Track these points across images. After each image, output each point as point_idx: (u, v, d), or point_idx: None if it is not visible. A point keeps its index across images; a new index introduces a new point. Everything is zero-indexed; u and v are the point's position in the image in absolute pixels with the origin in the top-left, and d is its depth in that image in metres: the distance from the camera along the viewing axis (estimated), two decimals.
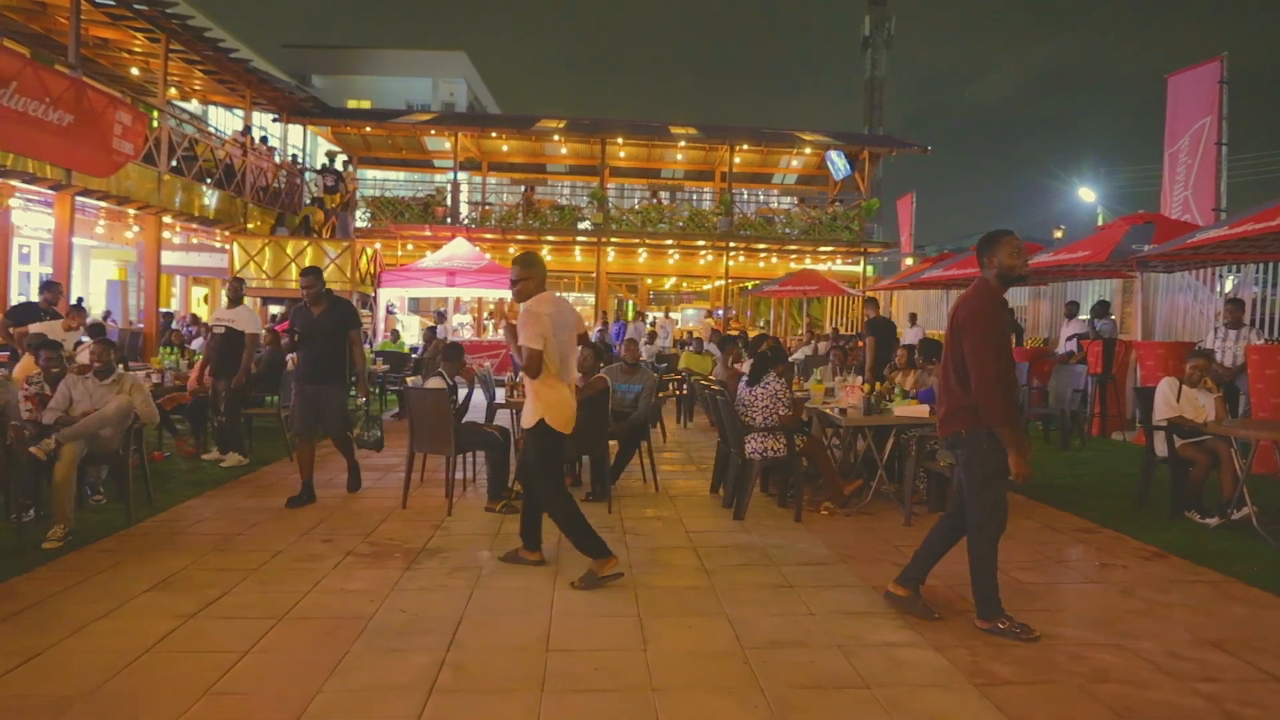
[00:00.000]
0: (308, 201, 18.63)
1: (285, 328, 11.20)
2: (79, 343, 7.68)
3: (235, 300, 7.57)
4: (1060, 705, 2.97)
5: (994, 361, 3.38)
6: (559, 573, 4.38)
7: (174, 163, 13.50)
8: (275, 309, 15.83)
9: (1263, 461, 6.91)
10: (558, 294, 4.40)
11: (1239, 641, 3.55)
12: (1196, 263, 9.34)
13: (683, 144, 21.63)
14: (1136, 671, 3.25)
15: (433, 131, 21.48)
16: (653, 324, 18.93)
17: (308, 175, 20.48)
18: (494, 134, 21.64)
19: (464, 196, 21.90)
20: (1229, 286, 10.53)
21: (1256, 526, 5.15)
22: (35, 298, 8.77)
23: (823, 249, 21.96)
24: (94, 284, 18.17)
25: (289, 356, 9.17)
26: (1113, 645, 3.50)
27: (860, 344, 12.01)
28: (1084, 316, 11.37)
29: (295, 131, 22.23)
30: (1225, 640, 3.56)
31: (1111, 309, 11.17)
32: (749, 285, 24.14)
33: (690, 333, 19.33)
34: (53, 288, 8.45)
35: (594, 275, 22.01)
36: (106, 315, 15.57)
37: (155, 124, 12.86)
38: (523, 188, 22.80)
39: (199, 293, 22.11)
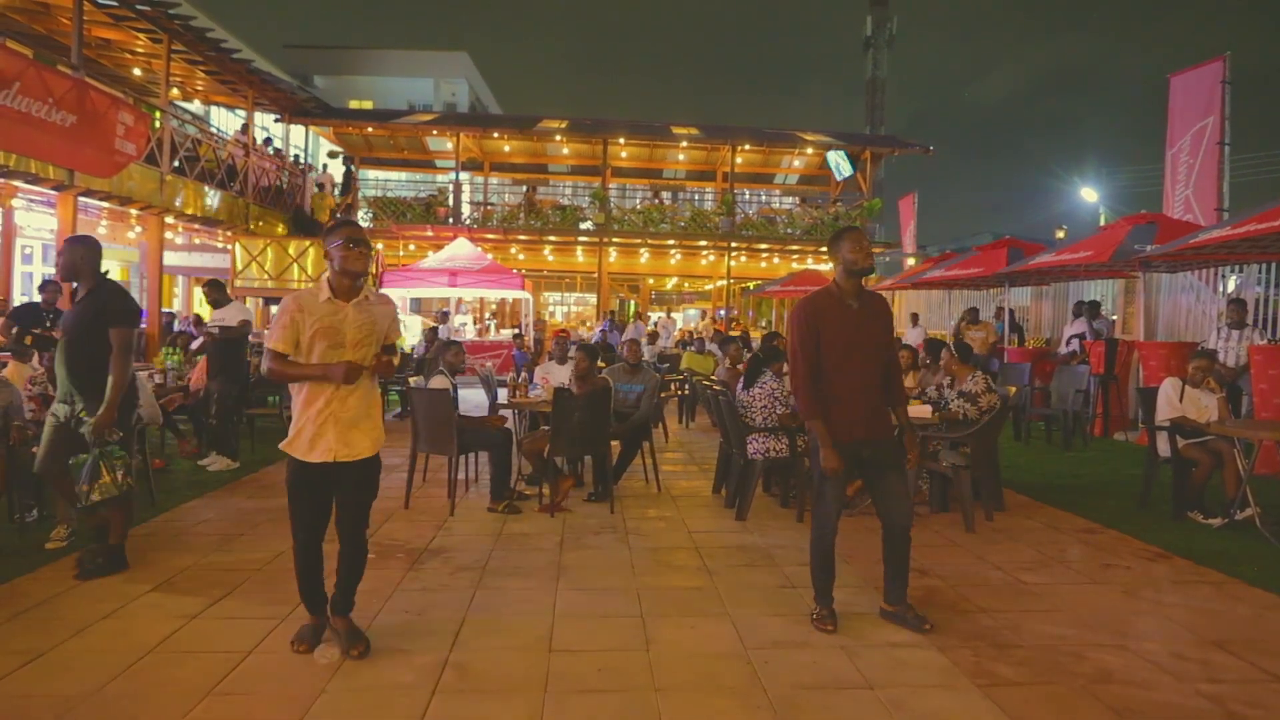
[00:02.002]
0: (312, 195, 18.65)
1: None
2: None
3: (218, 303, 7.51)
4: (1063, 706, 2.97)
5: (800, 359, 3.59)
6: (561, 573, 4.38)
7: (176, 163, 13.52)
8: (276, 309, 15.87)
9: (1266, 462, 6.91)
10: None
11: (1242, 642, 3.54)
12: (1199, 263, 9.34)
13: (684, 144, 21.65)
14: (1139, 672, 3.24)
15: (434, 132, 21.51)
16: (655, 324, 18.94)
17: (312, 175, 20.51)
18: (496, 134, 21.67)
19: (466, 197, 21.94)
20: (1231, 286, 10.51)
21: (1259, 527, 5.14)
22: (37, 298, 8.75)
23: (825, 249, 21.94)
24: None
25: None
26: (1115, 646, 3.49)
27: None
28: (1083, 316, 11.37)
29: (297, 132, 22.24)
30: (1228, 641, 3.55)
31: (1104, 308, 11.18)
32: (751, 285, 24.15)
33: (692, 333, 19.35)
34: (51, 286, 8.42)
35: (596, 275, 22.02)
36: None
37: (157, 124, 12.89)
38: (524, 188, 22.85)
39: (201, 293, 22.14)
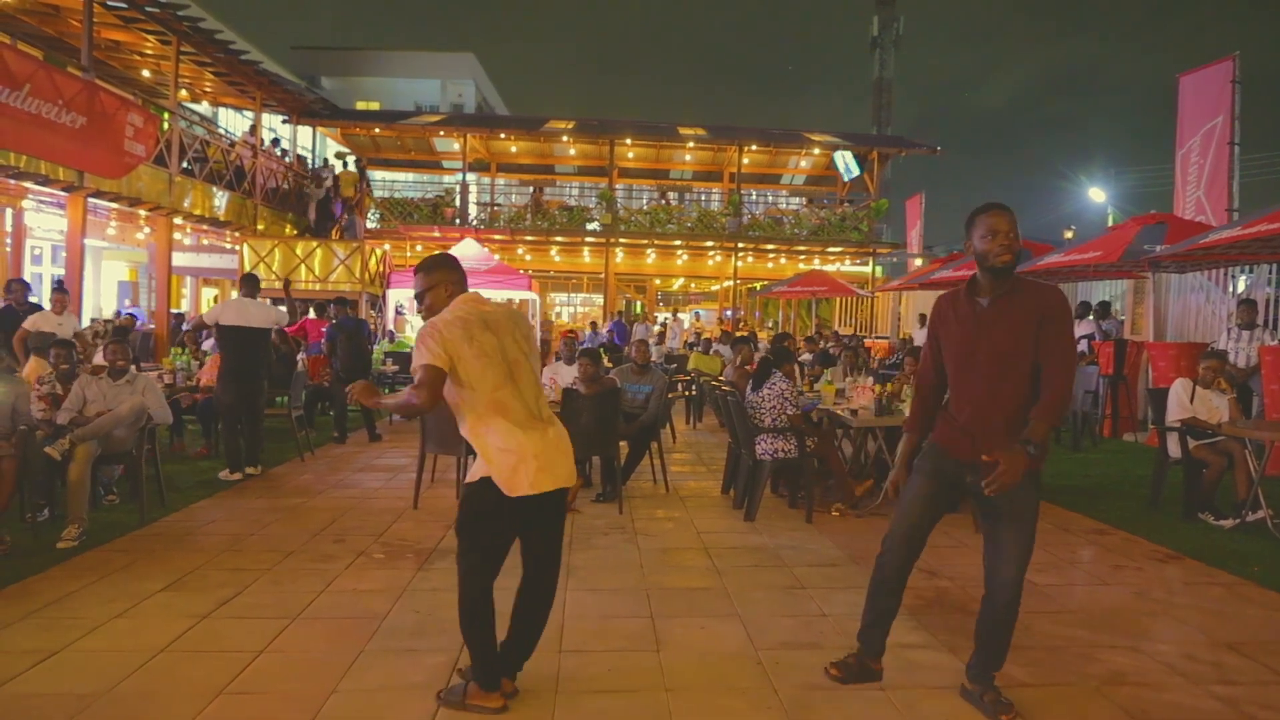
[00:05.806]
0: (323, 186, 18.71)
1: (295, 330, 11.29)
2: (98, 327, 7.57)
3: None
4: (1074, 708, 2.96)
5: (921, 366, 3.18)
6: (570, 573, 4.38)
7: (185, 164, 13.58)
8: (281, 309, 15.91)
9: (1277, 463, 6.86)
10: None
11: (1255, 644, 3.53)
12: (1209, 263, 9.29)
13: (691, 145, 21.63)
14: (1151, 674, 3.23)
15: (441, 133, 21.55)
16: (662, 325, 18.94)
17: (319, 168, 20.57)
18: (502, 135, 21.69)
19: (473, 197, 21.94)
20: (1241, 287, 10.46)
21: (1271, 529, 5.12)
22: (46, 301, 8.77)
23: (831, 250, 21.92)
24: (105, 285, 18.28)
25: (300, 356, 9.21)
26: (1127, 647, 3.48)
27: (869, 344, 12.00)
28: (1091, 317, 11.33)
29: (304, 133, 22.32)
30: (1240, 643, 3.54)
31: (1113, 309, 11.13)
32: (758, 286, 24.12)
33: (699, 334, 19.35)
34: (17, 285, 8.28)
35: (602, 276, 22.01)
36: (117, 314, 15.67)
37: (166, 126, 12.95)
38: (531, 189, 22.87)
39: (209, 294, 22.22)
